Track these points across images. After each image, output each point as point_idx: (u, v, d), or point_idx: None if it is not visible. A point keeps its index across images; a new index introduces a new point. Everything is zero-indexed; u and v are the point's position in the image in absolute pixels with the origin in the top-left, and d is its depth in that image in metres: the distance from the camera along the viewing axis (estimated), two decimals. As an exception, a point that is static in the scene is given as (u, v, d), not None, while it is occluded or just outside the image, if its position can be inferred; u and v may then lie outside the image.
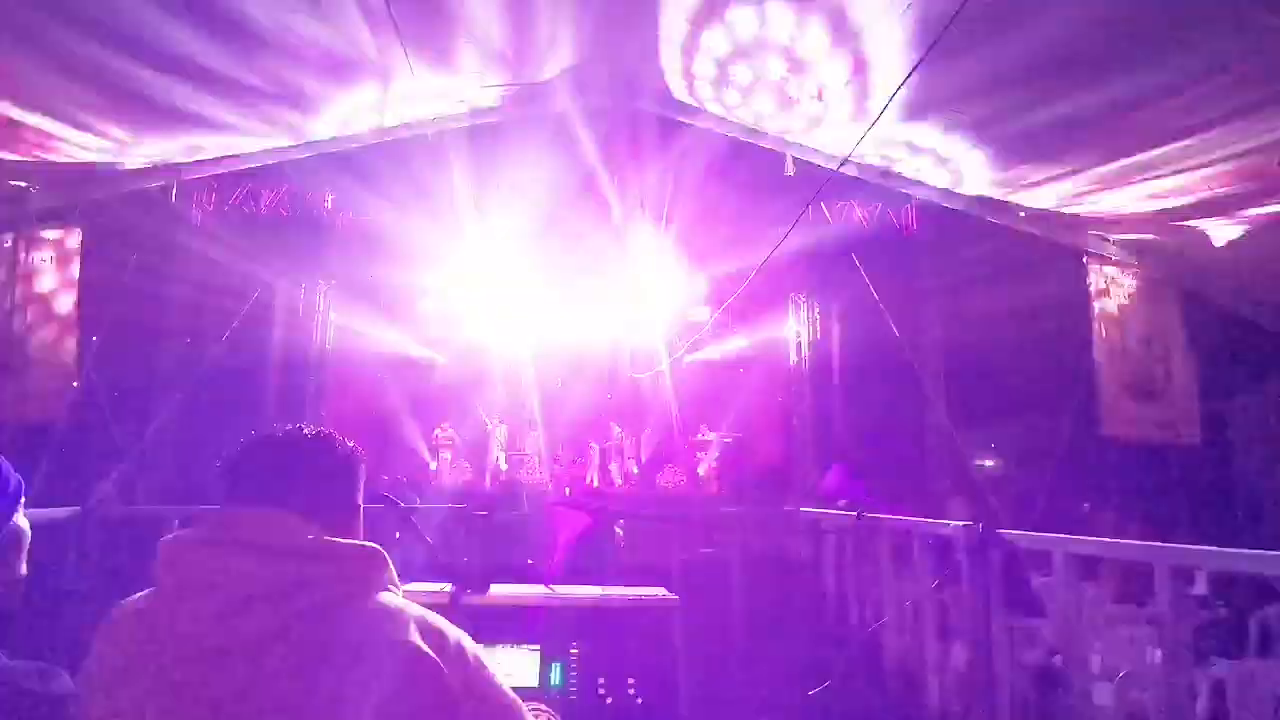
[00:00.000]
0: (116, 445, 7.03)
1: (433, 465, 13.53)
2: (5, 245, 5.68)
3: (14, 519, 1.45)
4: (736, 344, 13.94)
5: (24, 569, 1.45)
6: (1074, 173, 5.66)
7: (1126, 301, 7.01)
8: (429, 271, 14.26)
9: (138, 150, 5.81)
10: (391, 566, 1.17)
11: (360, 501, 1.29)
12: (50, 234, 6.00)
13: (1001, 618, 4.00)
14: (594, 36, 5.96)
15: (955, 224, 8.66)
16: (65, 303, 6.02)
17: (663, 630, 1.87)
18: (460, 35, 5.32)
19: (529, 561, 6.46)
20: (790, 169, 7.64)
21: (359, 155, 7.53)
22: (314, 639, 1.04)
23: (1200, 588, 4.36)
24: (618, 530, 9.36)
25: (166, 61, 4.39)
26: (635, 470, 13.65)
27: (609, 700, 1.79)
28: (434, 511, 7.70)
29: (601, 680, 1.80)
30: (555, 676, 1.80)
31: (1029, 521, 6.22)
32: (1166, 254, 6.70)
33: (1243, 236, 5.71)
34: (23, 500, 1.48)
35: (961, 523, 4.54)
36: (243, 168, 7.82)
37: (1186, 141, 4.66)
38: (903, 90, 4.15)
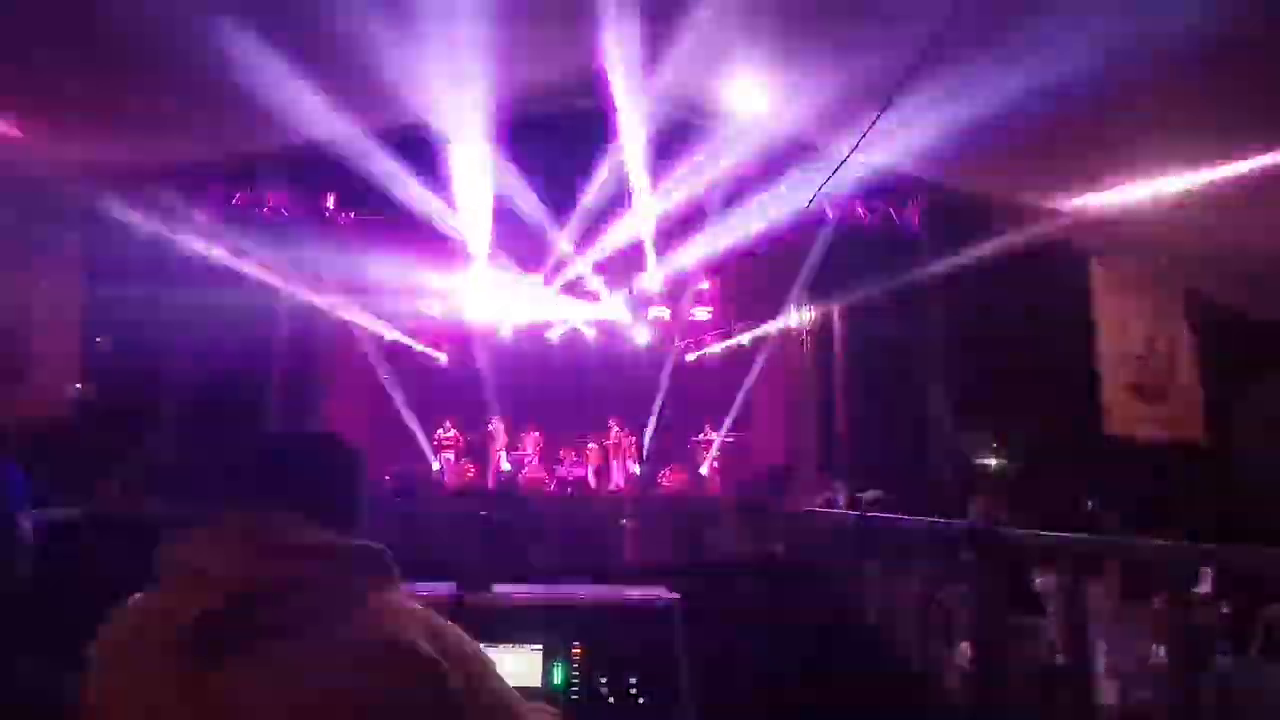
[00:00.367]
0: (121, 446, 7.05)
1: (435, 465, 13.56)
2: (10, 249, 5.70)
3: (18, 521, 1.45)
4: (739, 343, 13.96)
5: (27, 571, 1.45)
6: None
7: (1130, 299, 7.00)
8: (432, 270, 14.31)
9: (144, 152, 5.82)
10: (393, 565, 1.17)
11: (362, 501, 1.29)
12: (55, 234, 6.02)
13: (1004, 616, 4.00)
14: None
15: (959, 222, 8.66)
16: (70, 305, 6.04)
17: (665, 630, 1.86)
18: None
19: (532, 560, 6.47)
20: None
21: (362, 154, 7.54)
22: (315, 638, 1.05)
23: (1205, 585, 4.35)
24: (622, 526, 9.38)
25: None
26: (637, 469, 13.65)
27: (611, 700, 1.79)
28: (437, 510, 7.73)
29: (604, 680, 1.80)
30: (557, 676, 1.79)
31: (1032, 520, 6.21)
32: (1171, 251, 6.70)
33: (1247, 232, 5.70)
34: (26, 502, 1.48)
35: (964, 521, 4.53)
36: (247, 168, 7.82)
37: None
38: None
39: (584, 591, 2.01)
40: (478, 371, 13.93)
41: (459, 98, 6.96)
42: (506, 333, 14.13)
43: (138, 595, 1.14)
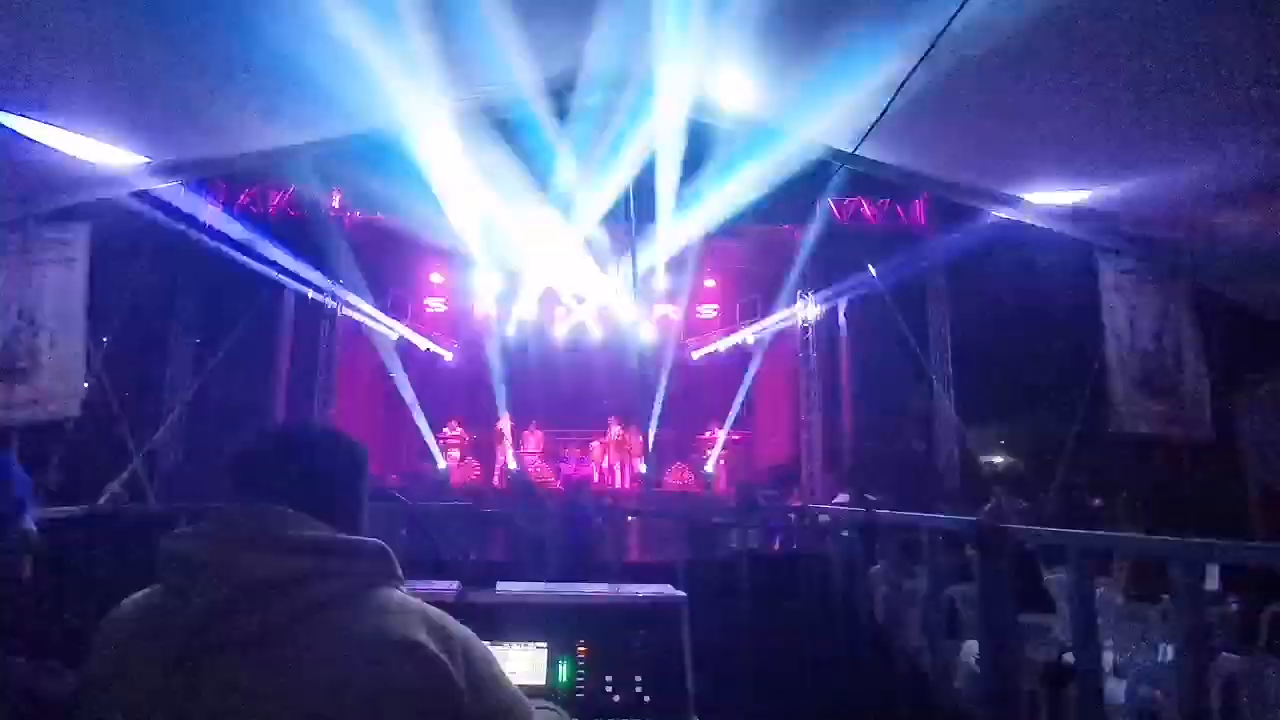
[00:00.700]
0: (126, 445, 7.08)
1: (442, 464, 13.59)
2: (15, 246, 5.71)
3: (22, 520, 1.45)
4: (744, 342, 13.95)
5: (30, 569, 1.45)
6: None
7: (1137, 296, 6.96)
8: (436, 269, 14.31)
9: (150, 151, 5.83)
10: (397, 563, 1.16)
11: (366, 498, 1.28)
12: (59, 235, 6.03)
13: (1012, 614, 3.99)
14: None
15: (964, 219, 8.62)
16: (75, 304, 6.05)
17: (670, 628, 1.85)
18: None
19: (537, 558, 6.48)
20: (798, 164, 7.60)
21: (366, 151, 7.53)
22: (319, 635, 1.04)
23: (1212, 582, 4.33)
24: (628, 522, 9.37)
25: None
26: (642, 468, 13.66)
27: (616, 698, 1.78)
28: (442, 509, 7.73)
29: (609, 678, 1.79)
30: (562, 674, 1.79)
31: (1039, 517, 6.20)
32: (1178, 247, 6.66)
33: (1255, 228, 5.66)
34: (30, 502, 1.48)
35: (971, 518, 4.52)
36: (251, 167, 7.82)
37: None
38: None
39: (589, 589, 2.00)
40: (483, 370, 13.95)
41: (462, 95, 6.96)
42: (512, 331, 14.15)
43: (140, 591, 1.14)
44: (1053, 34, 4.02)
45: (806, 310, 12.60)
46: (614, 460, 13.98)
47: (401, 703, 1.03)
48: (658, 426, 13.19)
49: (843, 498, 8.67)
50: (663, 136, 8.26)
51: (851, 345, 12.16)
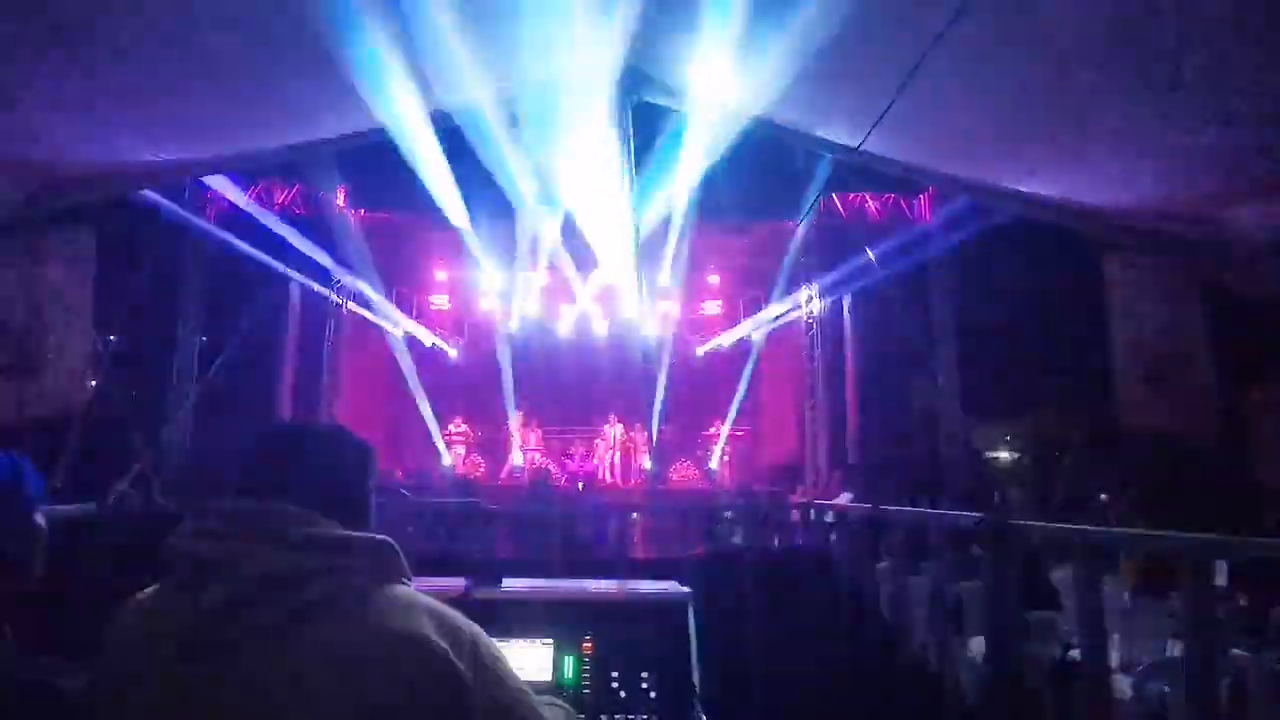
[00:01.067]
0: (133, 443, 7.11)
1: (447, 460, 13.62)
2: (22, 245, 5.73)
3: (32, 518, 1.46)
4: (749, 337, 13.94)
5: (41, 566, 1.46)
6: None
7: (1144, 291, 6.93)
8: (440, 267, 14.32)
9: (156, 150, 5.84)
10: (404, 559, 1.17)
11: (372, 495, 1.29)
12: (66, 234, 6.05)
13: (1018, 611, 3.98)
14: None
15: (969, 215, 8.59)
16: (82, 302, 6.07)
17: (676, 624, 1.86)
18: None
19: (542, 554, 6.50)
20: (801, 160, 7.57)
21: (369, 150, 7.54)
22: (326, 630, 1.05)
23: (1220, 579, 4.31)
24: (633, 519, 9.38)
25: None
26: (647, 465, 13.67)
27: (623, 694, 1.78)
28: (448, 505, 7.76)
29: (615, 674, 1.79)
30: (569, 670, 1.79)
31: (1045, 513, 6.18)
32: (1185, 243, 6.62)
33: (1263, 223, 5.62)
34: (40, 498, 1.49)
35: (977, 514, 4.51)
36: (256, 165, 7.83)
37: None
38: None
39: (595, 586, 2.00)
40: (487, 366, 13.97)
41: (466, 92, 6.96)
42: (515, 328, 14.16)
43: (148, 589, 1.15)
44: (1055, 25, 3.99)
45: (811, 303, 12.57)
46: (618, 457, 13.98)
47: (409, 698, 1.04)
48: (662, 423, 13.19)
49: (846, 496, 8.67)
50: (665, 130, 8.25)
51: (856, 341, 12.14)
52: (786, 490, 11.66)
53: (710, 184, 9.49)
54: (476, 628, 1.16)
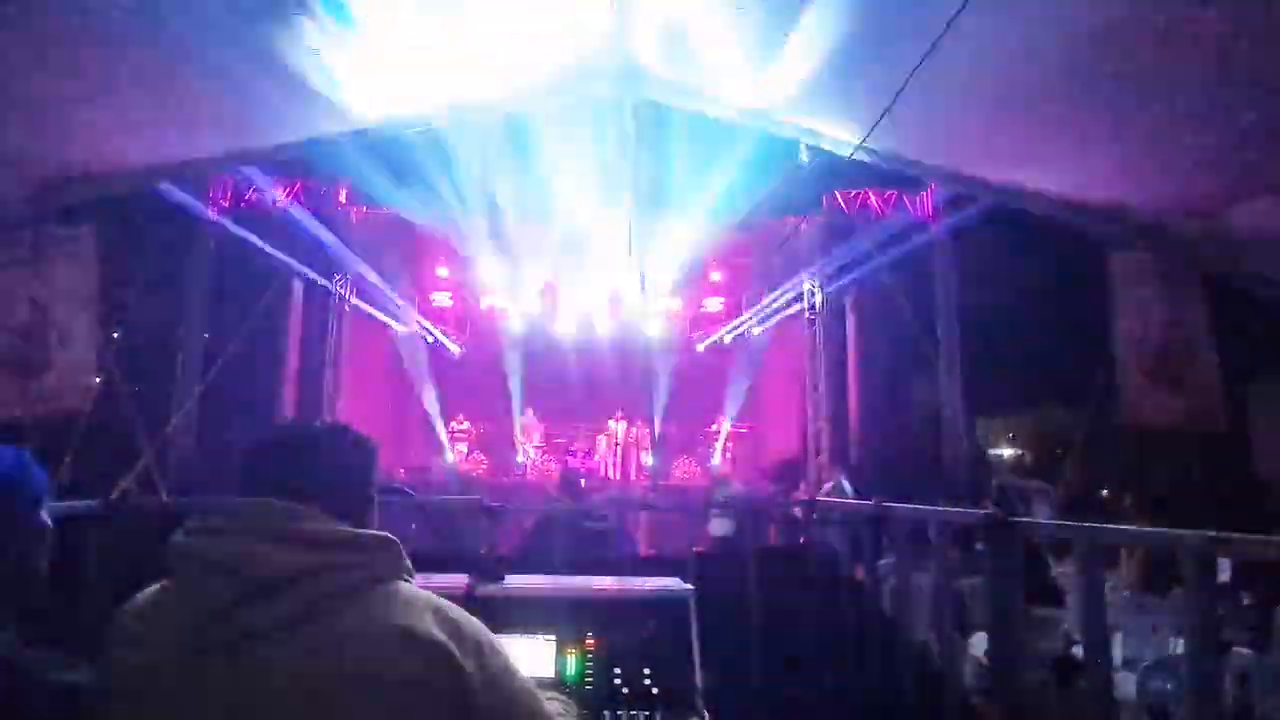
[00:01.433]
0: (138, 439, 7.12)
1: (450, 457, 13.64)
2: (26, 242, 5.74)
3: (38, 514, 1.46)
4: (751, 333, 13.93)
5: (46, 564, 1.46)
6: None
7: (1148, 286, 6.91)
8: (443, 263, 14.32)
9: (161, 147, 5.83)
10: (406, 556, 1.17)
11: (374, 492, 1.29)
12: (69, 230, 6.05)
13: (1021, 607, 3.98)
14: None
15: (972, 211, 8.57)
16: (86, 298, 6.08)
17: (678, 621, 1.87)
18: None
19: (545, 552, 6.49)
20: (804, 156, 7.54)
21: (372, 148, 7.54)
22: (329, 627, 1.05)
23: (1224, 576, 4.31)
24: (635, 516, 9.38)
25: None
26: (650, 462, 13.68)
27: (625, 690, 1.79)
28: (451, 503, 7.76)
29: (617, 670, 1.80)
30: (571, 667, 1.80)
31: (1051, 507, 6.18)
32: (1189, 237, 6.60)
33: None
34: (46, 496, 1.50)
35: (980, 511, 4.51)
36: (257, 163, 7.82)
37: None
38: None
39: (597, 583, 2.01)
40: (490, 363, 13.98)
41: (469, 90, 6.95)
42: (517, 325, 14.17)
43: (153, 586, 1.15)
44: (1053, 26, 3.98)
45: (814, 299, 12.55)
46: (620, 454, 14.00)
47: (412, 694, 1.04)
48: (664, 420, 13.20)
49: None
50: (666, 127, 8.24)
51: (858, 337, 12.12)
52: (790, 486, 11.66)
53: (712, 181, 9.49)
54: (480, 624, 1.16)
